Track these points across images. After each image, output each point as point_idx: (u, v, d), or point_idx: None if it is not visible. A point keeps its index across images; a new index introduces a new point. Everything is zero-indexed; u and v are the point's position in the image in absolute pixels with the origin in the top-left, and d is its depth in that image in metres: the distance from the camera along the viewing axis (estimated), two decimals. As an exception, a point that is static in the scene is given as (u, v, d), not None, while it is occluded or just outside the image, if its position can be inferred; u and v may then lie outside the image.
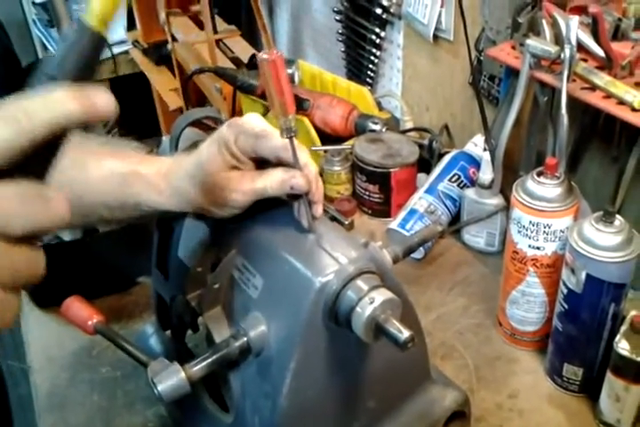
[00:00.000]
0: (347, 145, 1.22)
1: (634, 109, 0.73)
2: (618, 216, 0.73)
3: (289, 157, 0.62)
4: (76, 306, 0.77)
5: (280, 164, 0.63)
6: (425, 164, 1.21)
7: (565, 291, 0.78)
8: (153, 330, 0.90)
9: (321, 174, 1.25)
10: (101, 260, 1.04)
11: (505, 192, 1.02)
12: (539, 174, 0.79)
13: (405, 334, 0.57)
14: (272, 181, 0.62)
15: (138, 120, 2.73)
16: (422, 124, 1.37)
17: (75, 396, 0.90)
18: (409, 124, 1.35)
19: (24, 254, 0.38)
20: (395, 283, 0.66)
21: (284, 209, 0.67)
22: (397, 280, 0.67)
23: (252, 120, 0.64)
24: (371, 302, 0.58)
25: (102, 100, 0.38)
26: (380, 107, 1.41)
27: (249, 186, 0.63)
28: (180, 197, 0.65)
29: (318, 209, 0.65)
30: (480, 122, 1.04)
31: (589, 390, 0.83)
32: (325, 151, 1.23)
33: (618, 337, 0.74)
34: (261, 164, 0.65)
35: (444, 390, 0.78)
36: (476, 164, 1.09)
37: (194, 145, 0.76)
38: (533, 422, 0.83)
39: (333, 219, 1.19)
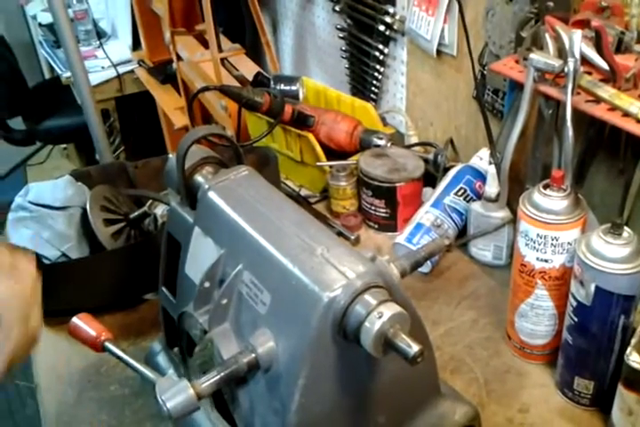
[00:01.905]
0: (352, 160, 1.23)
1: (639, 121, 0.73)
2: (626, 228, 0.72)
3: None
4: (83, 323, 0.77)
5: None
6: (430, 178, 1.21)
7: (575, 304, 0.77)
8: (161, 347, 0.90)
9: (326, 190, 1.25)
10: (108, 277, 1.05)
11: (511, 205, 1.01)
12: (545, 187, 0.79)
13: (415, 348, 0.56)
14: None
15: (143, 139, 2.75)
16: (427, 139, 1.37)
17: (83, 414, 0.90)
18: (413, 139, 1.36)
19: None
20: (403, 297, 0.66)
21: (291, 223, 0.67)
22: (405, 294, 0.67)
23: None
24: (379, 316, 0.57)
25: None
26: (384, 122, 1.42)
27: None
28: None
29: None
30: (485, 136, 1.04)
31: (601, 403, 0.83)
32: (331, 167, 1.23)
33: (629, 350, 0.73)
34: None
35: (453, 404, 0.77)
36: (482, 177, 1.09)
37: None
38: (545, 436, 0.82)
39: (339, 234, 1.20)
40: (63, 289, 1.03)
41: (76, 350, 0.95)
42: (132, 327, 1.05)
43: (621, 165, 0.88)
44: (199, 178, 0.79)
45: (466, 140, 1.27)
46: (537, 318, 0.87)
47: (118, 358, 0.69)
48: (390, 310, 0.58)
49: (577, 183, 0.97)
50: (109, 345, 0.70)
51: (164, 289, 0.85)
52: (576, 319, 0.78)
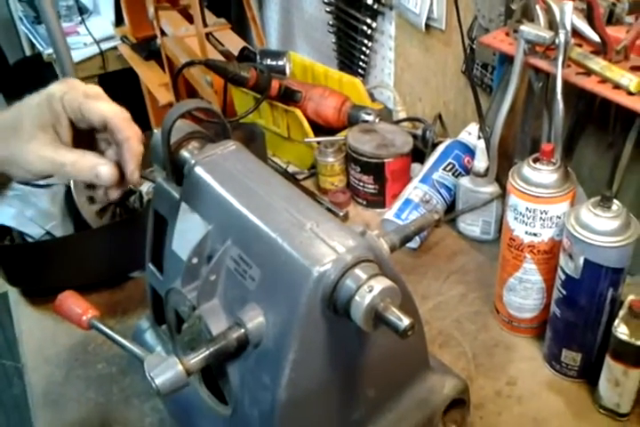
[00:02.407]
0: (340, 136, 1.22)
1: (630, 93, 0.73)
2: (615, 201, 0.72)
3: (116, 125, 0.58)
4: (69, 301, 0.76)
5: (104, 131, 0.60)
6: (419, 154, 1.21)
7: (563, 277, 0.77)
8: (148, 325, 0.90)
9: (314, 166, 1.25)
10: (93, 255, 1.03)
11: (500, 180, 1.01)
12: (535, 161, 0.78)
13: (405, 321, 0.56)
14: (77, 161, 0.57)
15: (128, 116, 2.70)
16: (415, 115, 1.36)
17: (70, 393, 0.89)
18: (402, 115, 1.35)
19: None
20: (392, 271, 0.66)
21: (280, 198, 0.66)
22: (395, 269, 0.67)
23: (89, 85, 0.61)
24: (370, 290, 0.57)
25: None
26: (372, 98, 1.41)
27: (49, 153, 0.57)
28: None
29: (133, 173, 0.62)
30: (473, 110, 1.03)
31: (588, 375, 0.83)
32: (319, 143, 1.22)
33: (617, 322, 0.74)
34: (80, 136, 0.61)
35: (442, 378, 0.77)
36: (471, 152, 1.08)
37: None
38: (533, 408, 0.83)
39: (328, 210, 1.19)
40: (48, 268, 1.02)
41: (62, 328, 0.95)
42: (119, 305, 1.04)
43: (610, 138, 0.88)
44: (185, 153, 0.78)
45: (454, 116, 1.26)
46: (525, 291, 0.87)
47: (106, 335, 0.69)
48: (381, 283, 0.58)
49: (566, 157, 0.97)
50: (96, 323, 0.69)
51: (151, 266, 0.84)
52: (564, 292, 0.78)
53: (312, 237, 0.62)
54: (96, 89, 0.60)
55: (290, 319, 0.61)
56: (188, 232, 0.73)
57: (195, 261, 0.71)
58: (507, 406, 0.83)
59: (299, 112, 1.24)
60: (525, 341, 0.92)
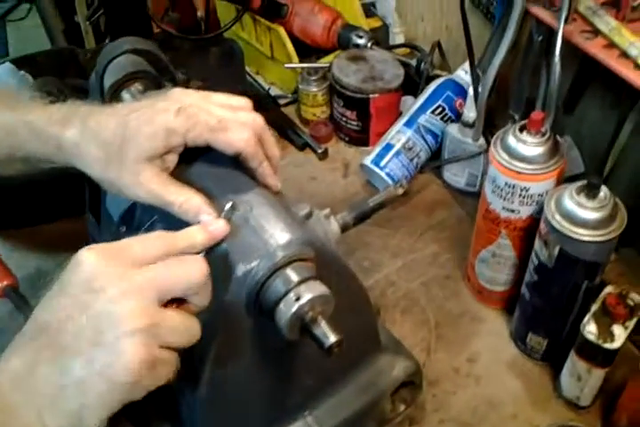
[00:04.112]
0: (324, 63, 1.10)
1: (637, 66, 0.61)
2: (603, 188, 0.63)
3: (248, 155, 0.55)
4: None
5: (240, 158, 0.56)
6: (413, 84, 1.09)
7: (536, 262, 0.70)
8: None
9: (295, 91, 1.13)
10: (52, 186, 0.96)
11: (495, 131, 0.91)
12: (521, 129, 0.68)
13: (332, 338, 0.50)
14: (182, 205, 0.54)
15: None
16: (416, 37, 1.22)
17: None
18: (399, 38, 1.21)
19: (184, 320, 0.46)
20: (335, 261, 0.59)
21: (211, 173, 0.58)
22: (338, 255, 0.60)
23: (203, 107, 0.55)
24: (297, 298, 0.50)
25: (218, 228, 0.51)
26: (371, 10, 1.26)
27: (157, 189, 0.54)
28: (78, 156, 0.56)
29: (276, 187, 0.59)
30: (476, 43, 0.90)
31: (553, 359, 0.78)
32: (302, 69, 1.10)
33: (586, 318, 0.67)
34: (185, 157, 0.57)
35: (393, 359, 0.72)
36: (465, 94, 0.96)
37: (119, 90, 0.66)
38: (490, 390, 0.78)
39: (306, 145, 1.10)
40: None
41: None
42: (80, 237, 0.97)
43: (616, 99, 0.77)
44: (126, 96, 0.69)
45: (456, 45, 1.12)
46: (498, 265, 0.80)
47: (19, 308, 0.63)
48: (311, 291, 0.51)
49: (567, 110, 0.86)
50: (12, 293, 0.63)
51: (90, 215, 0.77)
52: (536, 278, 0.71)
53: (242, 225, 0.54)
54: (219, 115, 0.54)
55: (213, 315, 0.54)
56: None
57: (123, 229, 0.64)
58: (463, 386, 0.79)
59: (282, 31, 1.11)
60: (495, 313, 0.86)
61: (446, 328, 0.85)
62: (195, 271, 0.46)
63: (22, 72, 1.05)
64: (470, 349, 0.82)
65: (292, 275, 0.52)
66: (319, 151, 1.08)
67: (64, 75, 1.09)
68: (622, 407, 0.71)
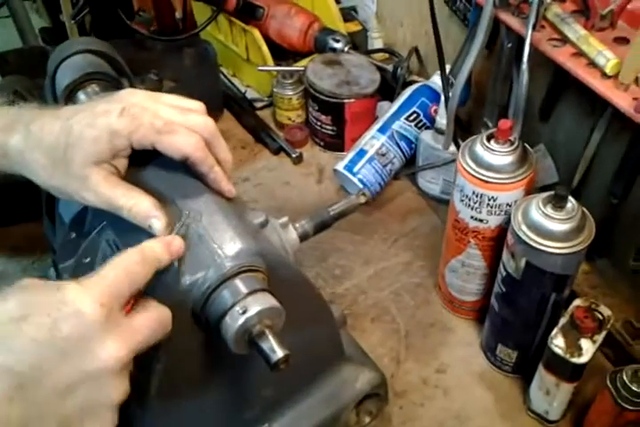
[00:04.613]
0: (300, 66, 1.08)
1: (604, 75, 0.59)
2: (571, 199, 0.61)
3: (196, 159, 0.53)
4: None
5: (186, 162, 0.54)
6: (390, 90, 1.07)
7: (504, 273, 0.68)
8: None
9: (271, 95, 1.12)
10: (15, 188, 0.94)
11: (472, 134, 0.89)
12: (488, 138, 0.66)
13: (279, 354, 0.48)
14: (132, 208, 0.52)
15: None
16: (395, 42, 1.20)
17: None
18: (377, 43, 1.19)
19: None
20: (291, 272, 0.57)
21: (163, 178, 0.56)
22: (296, 268, 0.58)
23: (150, 107, 0.53)
24: (243, 311, 0.48)
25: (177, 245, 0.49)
26: (350, 16, 1.25)
27: (106, 193, 0.52)
28: (22, 163, 0.54)
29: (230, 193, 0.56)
30: (455, 48, 0.89)
31: (523, 372, 0.76)
32: (277, 72, 1.08)
33: (554, 331, 0.65)
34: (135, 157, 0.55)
35: (357, 370, 0.70)
36: (440, 101, 0.95)
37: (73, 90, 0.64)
38: (458, 402, 0.76)
39: (281, 149, 1.08)
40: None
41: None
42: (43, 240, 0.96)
43: (590, 107, 0.75)
44: (82, 97, 0.67)
45: (434, 50, 1.10)
46: (467, 275, 0.78)
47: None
48: (259, 304, 0.49)
49: (542, 117, 0.84)
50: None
51: (46, 217, 0.75)
52: (504, 289, 0.69)
53: (193, 234, 0.52)
54: (166, 117, 0.52)
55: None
56: (70, 200, 0.63)
57: (72, 235, 0.62)
58: (431, 398, 0.77)
59: (257, 33, 1.09)
60: (466, 323, 0.84)
61: (416, 338, 0.83)
62: (165, 322, 0.47)
63: (-9, 71, 1.03)
64: (439, 359, 0.81)
65: (241, 286, 0.50)
66: (294, 156, 1.06)
67: (34, 74, 1.06)
68: (590, 422, 0.69)
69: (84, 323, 0.41)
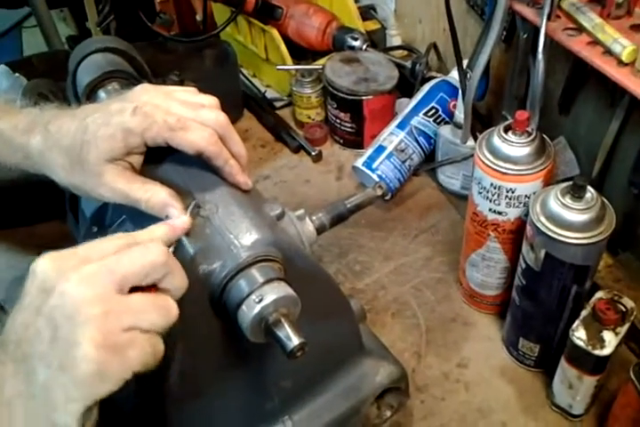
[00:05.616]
0: (318, 65, 1.08)
1: (621, 63, 0.59)
2: (590, 189, 0.61)
3: (210, 154, 0.54)
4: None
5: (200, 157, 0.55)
6: (409, 86, 1.07)
7: (524, 265, 0.68)
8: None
9: (290, 95, 1.12)
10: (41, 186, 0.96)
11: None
12: (505, 130, 0.66)
13: (295, 341, 0.48)
14: (149, 200, 0.52)
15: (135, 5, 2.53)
16: (414, 39, 1.20)
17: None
18: (396, 40, 1.19)
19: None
20: (308, 263, 0.57)
21: (180, 171, 0.56)
22: (312, 259, 0.58)
23: (162, 105, 0.53)
24: (259, 300, 0.48)
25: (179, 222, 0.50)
26: (368, 15, 1.25)
27: (122, 188, 0.53)
28: (43, 164, 0.55)
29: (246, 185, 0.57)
30: (473, 43, 0.88)
31: (546, 366, 0.75)
32: (296, 71, 1.09)
33: (576, 324, 0.65)
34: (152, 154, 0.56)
35: (377, 364, 0.70)
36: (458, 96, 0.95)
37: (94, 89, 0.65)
38: (480, 396, 0.76)
39: (301, 147, 1.09)
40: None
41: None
42: (67, 238, 0.97)
43: (611, 98, 0.74)
44: (102, 95, 0.68)
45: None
46: (488, 269, 0.77)
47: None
48: (275, 292, 0.49)
49: (562, 111, 0.84)
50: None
51: (70, 214, 0.77)
52: (524, 282, 0.69)
53: (207, 226, 0.52)
54: (177, 114, 0.53)
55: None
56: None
57: (94, 229, 0.63)
58: (452, 392, 0.77)
59: (275, 33, 1.09)
60: (487, 318, 0.83)
61: (437, 333, 0.83)
62: (151, 252, 0.44)
63: (17, 74, 1.05)
64: (461, 354, 0.80)
65: (257, 275, 0.50)
66: (313, 154, 1.06)
67: (59, 77, 1.08)
68: (614, 416, 0.68)
69: (36, 276, 0.42)
